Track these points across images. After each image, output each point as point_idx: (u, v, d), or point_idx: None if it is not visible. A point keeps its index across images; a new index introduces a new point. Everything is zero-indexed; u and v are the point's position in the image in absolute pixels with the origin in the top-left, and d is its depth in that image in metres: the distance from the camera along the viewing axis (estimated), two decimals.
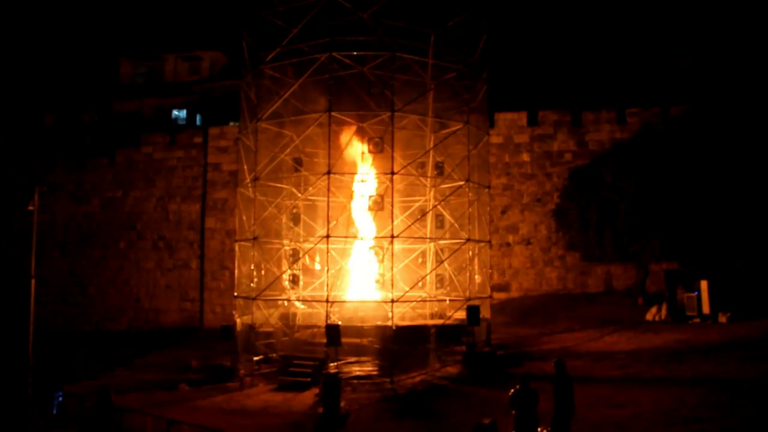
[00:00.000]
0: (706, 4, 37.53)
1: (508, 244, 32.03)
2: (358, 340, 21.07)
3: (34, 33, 49.72)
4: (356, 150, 24.20)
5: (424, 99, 23.56)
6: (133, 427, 15.54)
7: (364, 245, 24.50)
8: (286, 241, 24.88)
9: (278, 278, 23.67)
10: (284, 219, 25.04)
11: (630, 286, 29.16)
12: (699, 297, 24.22)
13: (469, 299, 22.39)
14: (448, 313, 22.96)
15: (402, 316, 22.31)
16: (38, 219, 22.08)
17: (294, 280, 23.91)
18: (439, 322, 22.43)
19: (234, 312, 23.74)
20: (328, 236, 21.64)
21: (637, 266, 28.36)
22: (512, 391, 12.48)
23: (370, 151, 22.92)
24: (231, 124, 35.47)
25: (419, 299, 23.84)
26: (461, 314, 21.84)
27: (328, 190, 21.75)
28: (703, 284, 24.19)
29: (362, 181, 24.58)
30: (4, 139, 38.78)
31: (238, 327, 22.80)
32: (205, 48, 45.65)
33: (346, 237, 24.41)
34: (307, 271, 25.33)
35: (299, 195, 24.38)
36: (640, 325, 24.44)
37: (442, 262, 24.31)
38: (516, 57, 37.79)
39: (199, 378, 21.86)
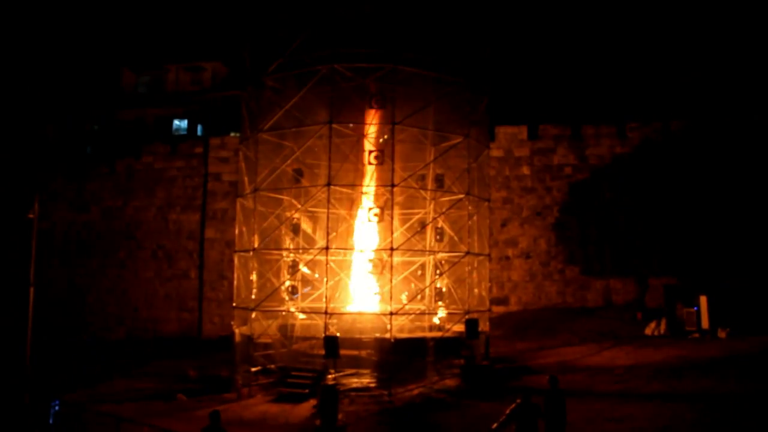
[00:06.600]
0: (707, 19, 37.69)
1: (508, 258, 32.00)
2: (356, 352, 21.02)
3: (36, 42, 49.86)
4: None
5: (425, 112, 23.60)
6: None
7: (363, 257, 24.49)
8: (285, 252, 24.87)
9: (277, 289, 23.66)
10: (284, 230, 25.04)
11: (629, 300, 29.12)
12: (698, 312, 24.21)
13: (468, 312, 22.36)
14: (447, 326, 22.92)
15: (400, 328, 22.27)
16: (38, 227, 22.08)
17: (293, 291, 23.91)
18: (438, 334, 22.37)
19: (232, 322, 23.69)
20: (327, 248, 21.67)
21: (636, 281, 28.38)
22: (513, 405, 12.51)
23: (370, 163, 22.95)
24: (232, 134, 35.50)
25: (418, 312, 23.81)
26: (460, 327, 21.84)
27: (328, 201, 21.78)
28: (703, 299, 24.19)
29: (363, 193, 24.59)
30: (5, 148, 38.82)
31: (237, 338, 22.73)
32: (207, 59, 45.69)
33: (345, 249, 24.41)
34: (306, 282, 25.32)
35: (299, 206, 24.40)
36: (639, 340, 24.41)
37: (441, 274, 24.30)
38: (517, 71, 37.94)
39: (196, 388, 21.81)
